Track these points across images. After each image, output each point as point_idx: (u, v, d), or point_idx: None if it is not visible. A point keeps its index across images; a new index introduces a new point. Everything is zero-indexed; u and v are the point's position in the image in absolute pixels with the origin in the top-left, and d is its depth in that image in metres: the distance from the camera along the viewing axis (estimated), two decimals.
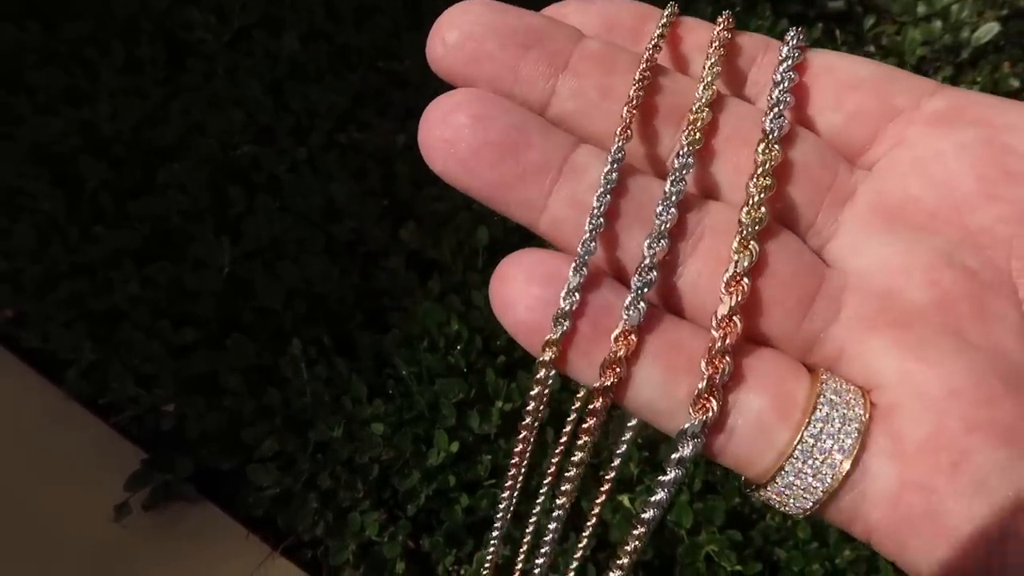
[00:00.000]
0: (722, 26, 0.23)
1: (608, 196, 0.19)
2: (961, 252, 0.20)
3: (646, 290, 0.19)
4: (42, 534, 0.65)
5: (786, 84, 0.22)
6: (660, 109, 0.21)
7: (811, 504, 0.18)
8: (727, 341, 0.19)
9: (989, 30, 1.22)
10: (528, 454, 0.24)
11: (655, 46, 0.22)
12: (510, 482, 0.26)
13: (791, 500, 0.19)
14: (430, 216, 0.84)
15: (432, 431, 0.72)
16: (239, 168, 0.86)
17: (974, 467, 0.17)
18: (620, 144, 0.20)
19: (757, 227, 0.19)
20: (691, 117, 0.21)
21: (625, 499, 0.73)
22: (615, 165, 0.20)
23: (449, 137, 0.20)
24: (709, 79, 0.21)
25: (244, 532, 0.69)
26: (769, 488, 0.19)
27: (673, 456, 0.18)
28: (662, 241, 0.19)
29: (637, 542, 0.20)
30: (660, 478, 0.19)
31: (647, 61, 0.21)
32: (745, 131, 0.21)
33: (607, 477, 0.27)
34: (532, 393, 0.21)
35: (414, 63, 0.91)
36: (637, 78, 0.21)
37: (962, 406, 0.18)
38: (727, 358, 0.18)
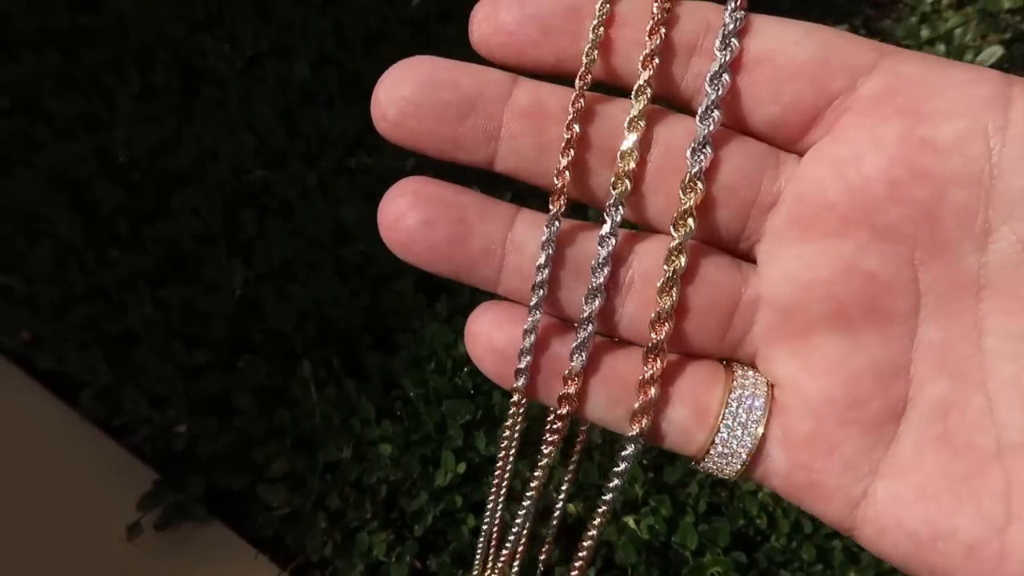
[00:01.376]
0: (658, 18, 0.23)
1: (547, 268, 0.23)
2: (865, 255, 0.22)
3: (587, 341, 0.23)
4: (56, 553, 0.66)
5: (712, 99, 0.22)
6: (592, 158, 0.23)
7: (733, 474, 0.24)
8: (655, 371, 0.23)
9: (993, 53, 1.23)
10: (506, 480, 0.29)
11: (583, 76, 0.23)
12: (491, 504, 0.31)
13: (718, 474, 0.24)
14: None
15: (439, 452, 0.73)
16: (251, 193, 0.87)
17: (844, 453, 0.23)
18: (556, 211, 0.23)
19: (677, 274, 0.23)
20: (618, 165, 0.23)
21: (631, 520, 0.73)
22: (552, 234, 0.23)
23: (405, 240, 0.23)
24: (637, 112, 0.23)
25: (253, 552, 0.70)
26: (700, 466, 0.24)
27: (621, 452, 0.24)
28: (597, 297, 0.23)
29: (600, 519, 0.26)
30: (615, 469, 0.24)
31: (574, 108, 0.23)
32: (673, 163, 0.23)
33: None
34: (506, 424, 0.26)
35: None
36: (565, 137, 0.23)
37: (837, 411, 0.23)
38: (655, 386, 0.23)
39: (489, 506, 0.31)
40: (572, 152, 0.23)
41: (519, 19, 0.23)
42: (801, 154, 0.23)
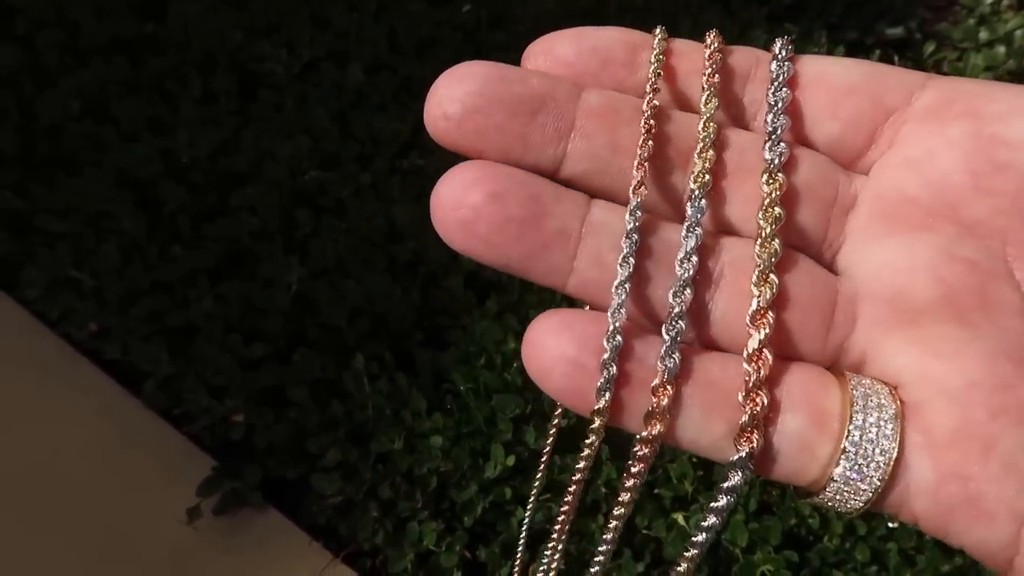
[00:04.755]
0: (712, 48, 0.23)
1: (632, 258, 0.20)
2: (959, 246, 0.21)
3: (678, 338, 0.20)
4: (120, 534, 0.68)
5: (780, 105, 0.22)
6: (668, 155, 0.22)
7: (862, 504, 0.20)
8: (761, 374, 0.20)
9: None
10: (576, 507, 0.25)
11: (653, 87, 0.22)
12: (559, 524, 0.27)
13: (845, 502, 0.20)
14: None
15: (489, 445, 0.74)
16: (307, 192, 0.90)
17: (1002, 451, 0.19)
18: (637, 202, 0.21)
19: (773, 260, 0.21)
20: (696, 161, 0.22)
21: (680, 517, 0.73)
22: (635, 223, 0.21)
23: (468, 218, 0.20)
24: (708, 115, 0.22)
25: (307, 539, 0.71)
26: (821, 495, 0.20)
27: (724, 484, 0.19)
28: (686, 290, 0.20)
29: (689, 563, 0.21)
30: (712, 504, 0.20)
31: (648, 107, 0.22)
32: (749, 162, 0.22)
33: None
34: (582, 455, 0.22)
35: None
36: (643, 130, 0.21)
37: (983, 395, 0.19)
38: (763, 391, 0.20)
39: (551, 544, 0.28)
40: (651, 145, 0.21)
41: (578, 52, 0.23)
42: (865, 173, 0.23)
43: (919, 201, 0.21)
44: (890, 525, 0.72)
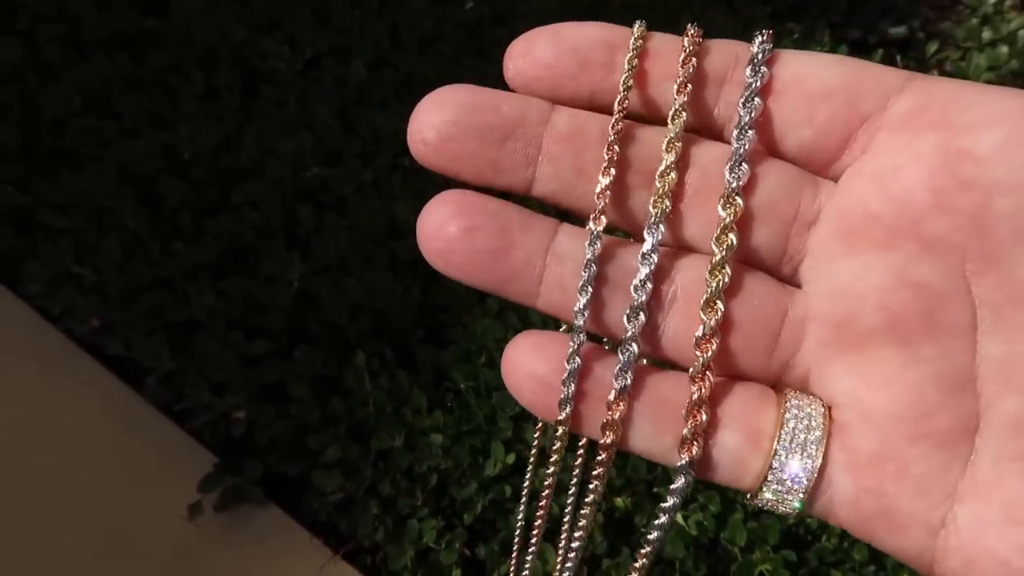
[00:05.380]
0: (689, 50, 0.23)
1: (590, 286, 0.22)
2: (915, 266, 0.21)
3: (631, 360, 0.22)
4: (122, 530, 0.69)
5: (748, 119, 0.23)
6: (631, 179, 0.23)
7: (791, 511, 0.22)
8: (702, 393, 0.22)
9: None
10: (548, 509, 0.28)
11: (621, 104, 0.23)
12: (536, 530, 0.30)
13: (776, 509, 0.22)
14: None
15: (489, 443, 0.74)
16: (309, 189, 0.90)
17: (916, 473, 0.21)
18: (596, 232, 0.23)
19: (721, 287, 0.22)
20: (657, 185, 0.23)
21: (679, 516, 0.73)
22: (594, 253, 0.22)
23: (445, 248, 0.22)
24: (673, 134, 0.23)
25: (307, 535, 0.72)
26: (757, 499, 0.23)
27: (671, 487, 0.22)
28: (640, 314, 0.22)
29: (645, 559, 0.24)
30: (662, 504, 0.22)
31: (613, 131, 0.23)
32: (710, 182, 0.23)
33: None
34: (551, 460, 0.25)
35: None
36: (605, 157, 0.23)
37: (904, 423, 0.21)
38: (704, 409, 0.22)
39: (534, 535, 0.31)
40: (612, 172, 0.23)
41: (556, 53, 0.23)
42: (836, 179, 0.23)
43: (881, 218, 0.22)
44: None
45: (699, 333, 0.22)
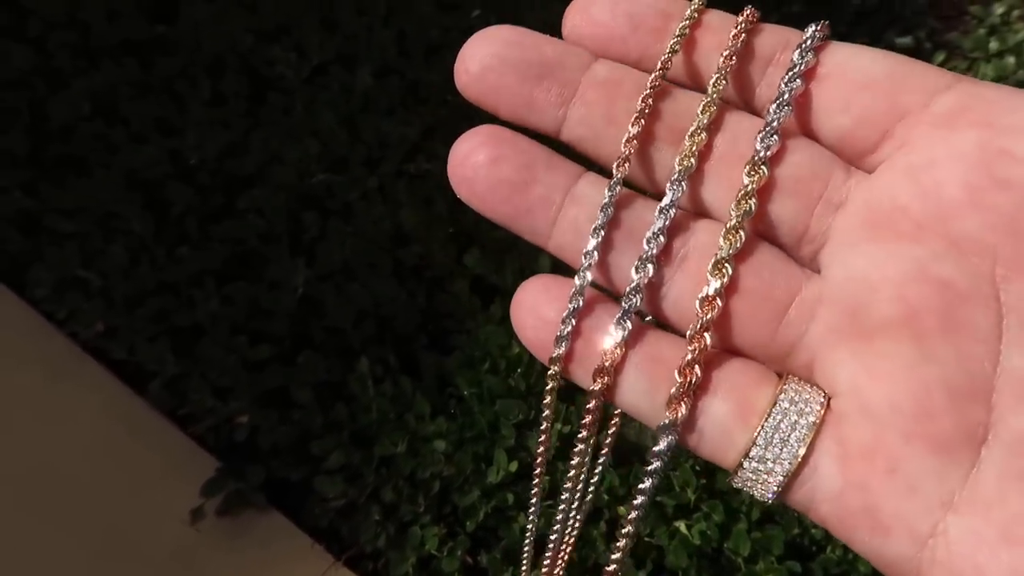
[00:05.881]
0: (741, 27, 0.24)
1: (603, 230, 0.22)
2: (940, 263, 0.20)
3: (632, 308, 0.22)
4: (124, 533, 0.69)
5: (786, 96, 0.22)
6: (660, 133, 0.23)
7: (769, 495, 0.21)
8: (696, 354, 0.21)
9: None
10: (551, 450, 0.26)
11: (665, 64, 0.23)
12: (538, 470, 0.28)
13: (755, 488, 0.21)
14: (493, 243, 0.87)
15: (492, 450, 0.74)
16: (314, 195, 0.90)
17: (908, 472, 0.19)
18: (618, 177, 0.23)
19: (732, 250, 0.22)
20: (685, 143, 0.23)
21: (682, 525, 0.73)
22: (611, 198, 0.22)
23: (470, 175, 0.23)
24: (710, 98, 0.23)
25: (309, 541, 0.72)
26: (736, 477, 0.22)
27: (654, 448, 0.21)
28: (648, 266, 0.22)
29: (630, 526, 0.23)
30: (646, 467, 0.22)
31: (651, 85, 0.23)
32: (739, 150, 0.23)
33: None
34: (545, 401, 0.24)
35: None
36: (638, 107, 0.23)
37: (903, 419, 0.20)
38: (696, 369, 0.21)
39: (536, 478, 0.29)
40: (642, 123, 0.23)
41: (613, 14, 0.24)
42: (871, 171, 0.23)
43: (909, 211, 0.21)
44: None
45: (703, 293, 0.22)
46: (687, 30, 0.24)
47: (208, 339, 0.79)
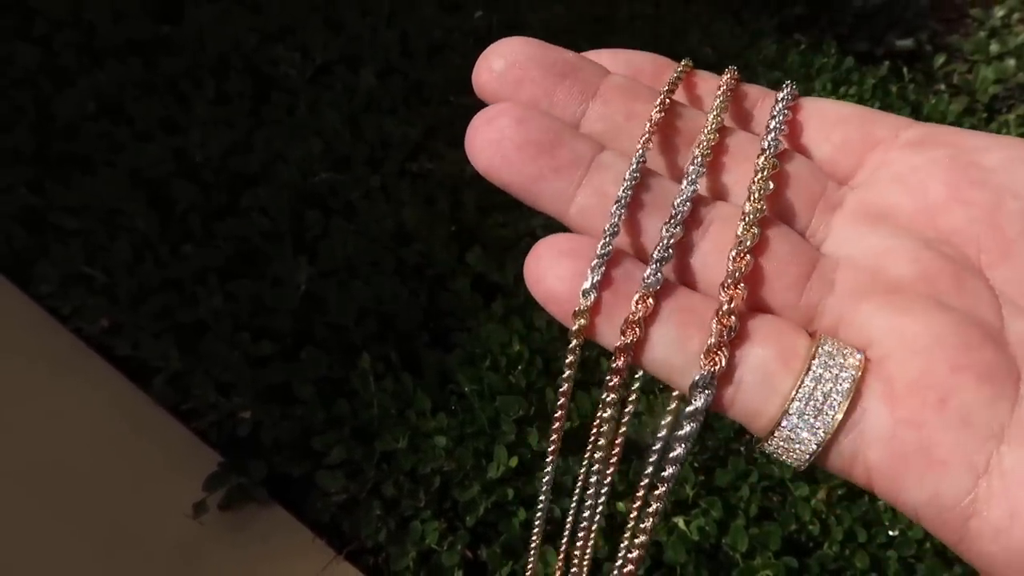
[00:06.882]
0: (728, 76, 0.26)
1: (631, 190, 0.22)
2: (937, 245, 0.23)
3: (663, 262, 0.21)
4: (127, 527, 0.69)
5: (781, 117, 0.25)
6: (676, 130, 0.25)
7: (813, 449, 0.20)
8: (733, 303, 0.21)
9: None
10: (566, 420, 0.26)
11: (671, 86, 0.25)
12: (553, 447, 0.27)
13: (795, 446, 0.20)
14: (495, 242, 0.88)
15: (492, 446, 0.74)
16: (317, 194, 0.91)
17: (960, 403, 0.19)
18: (642, 150, 0.23)
19: (758, 215, 0.22)
20: (702, 137, 0.24)
21: (680, 521, 0.73)
22: (638, 164, 0.23)
23: (495, 138, 0.23)
24: (716, 112, 0.25)
25: (311, 535, 0.72)
26: (774, 437, 0.21)
27: (687, 409, 0.20)
28: (678, 227, 0.22)
29: (663, 499, 0.22)
30: (677, 432, 0.20)
31: (663, 97, 0.25)
32: (747, 151, 0.25)
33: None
34: (567, 361, 0.23)
35: None
36: (657, 104, 0.24)
37: (946, 350, 0.20)
38: (734, 317, 0.21)
39: (549, 459, 0.28)
40: (661, 116, 0.24)
41: (613, 64, 0.26)
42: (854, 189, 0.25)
43: (901, 207, 0.23)
44: (890, 533, 0.73)
45: (735, 250, 0.22)
46: (681, 76, 0.26)
47: (211, 335, 0.80)
